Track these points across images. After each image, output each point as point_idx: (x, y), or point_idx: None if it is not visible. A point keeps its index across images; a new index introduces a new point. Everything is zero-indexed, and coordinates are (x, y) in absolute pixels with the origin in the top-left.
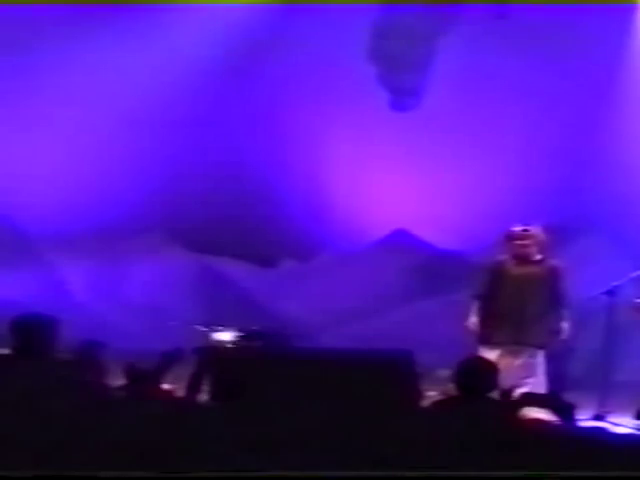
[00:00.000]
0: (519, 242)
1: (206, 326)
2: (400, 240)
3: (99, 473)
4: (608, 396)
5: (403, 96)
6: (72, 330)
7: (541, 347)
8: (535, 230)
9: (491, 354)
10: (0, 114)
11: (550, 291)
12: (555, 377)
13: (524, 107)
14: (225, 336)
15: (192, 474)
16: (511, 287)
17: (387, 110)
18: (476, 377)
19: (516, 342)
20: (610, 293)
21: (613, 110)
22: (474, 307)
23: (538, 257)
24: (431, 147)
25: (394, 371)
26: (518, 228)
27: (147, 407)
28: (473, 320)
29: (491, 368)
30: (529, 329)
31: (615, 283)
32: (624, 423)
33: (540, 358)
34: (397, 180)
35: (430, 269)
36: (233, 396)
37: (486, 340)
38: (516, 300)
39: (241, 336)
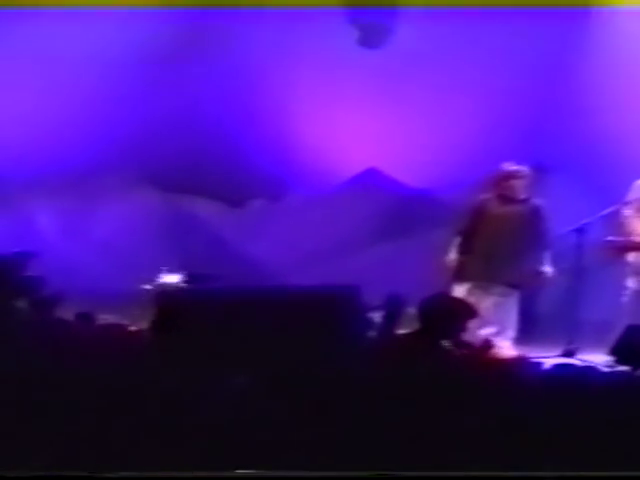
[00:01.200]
0: (510, 181)
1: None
2: (372, 180)
3: (99, 473)
4: (577, 334)
5: (374, 33)
6: (41, 271)
7: (514, 286)
8: (525, 170)
9: (461, 289)
10: None
11: (531, 231)
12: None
13: (498, 49)
14: (174, 278)
15: (190, 473)
16: (491, 225)
17: (357, 48)
18: (440, 314)
19: (489, 279)
20: (580, 231)
21: (583, 55)
22: (455, 244)
23: (523, 196)
24: (404, 85)
25: (337, 307)
26: (510, 167)
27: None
28: (452, 257)
29: (456, 305)
30: (504, 267)
31: (585, 221)
32: (594, 360)
33: (512, 297)
34: (369, 119)
35: (402, 209)
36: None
37: (459, 276)
38: (494, 238)
39: (189, 279)
